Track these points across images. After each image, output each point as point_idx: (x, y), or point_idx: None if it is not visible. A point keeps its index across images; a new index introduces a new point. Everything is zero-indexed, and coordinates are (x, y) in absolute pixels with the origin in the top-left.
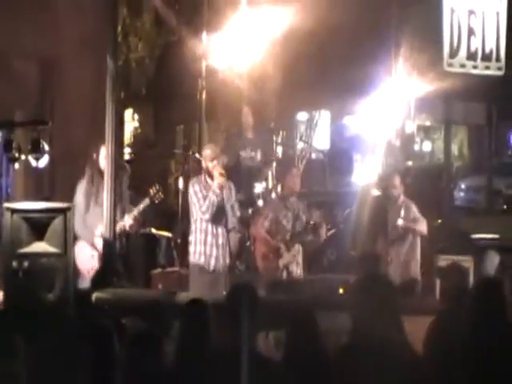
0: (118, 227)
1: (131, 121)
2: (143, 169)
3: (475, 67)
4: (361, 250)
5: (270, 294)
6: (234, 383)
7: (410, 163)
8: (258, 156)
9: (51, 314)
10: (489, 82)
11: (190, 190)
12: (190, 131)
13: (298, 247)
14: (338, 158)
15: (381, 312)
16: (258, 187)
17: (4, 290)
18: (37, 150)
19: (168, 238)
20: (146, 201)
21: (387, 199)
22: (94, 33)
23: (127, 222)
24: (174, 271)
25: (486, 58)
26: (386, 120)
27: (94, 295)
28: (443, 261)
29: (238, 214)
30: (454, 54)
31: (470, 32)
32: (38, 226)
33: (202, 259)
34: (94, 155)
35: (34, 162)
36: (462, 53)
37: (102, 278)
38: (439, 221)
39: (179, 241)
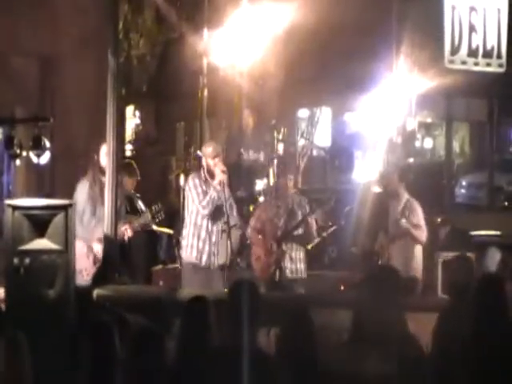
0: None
1: (132, 118)
2: (144, 166)
3: (476, 64)
4: (361, 247)
5: (270, 291)
6: (234, 379)
7: (411, 160)
8: (259, 153)
9: (52, 311)
10: (490, 78)
11: (190, 184)
12: (191, 128)
13: (291, 243)
14: (339, 155)
15: (389, 306)
16: (260, 184)
17: (5, 286)
18: (38, 147)
19: (169, 234)
20: (148, 217)
21: (388, 196)
22: (95, 30)
23: (128, 232)
24: (175, 268)
25: (487, 54)
26: (387, 117)
27: (95, 292)
28: (444, 258)
29: (235, 214)
30: (455, 50)
31: (471, 29)
32: (39, 223)
33: (194, 253)
34: (95, 155)
35: (35, 159)
36: (463, 50)
37: (103, 274)
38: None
39: (180, 238)
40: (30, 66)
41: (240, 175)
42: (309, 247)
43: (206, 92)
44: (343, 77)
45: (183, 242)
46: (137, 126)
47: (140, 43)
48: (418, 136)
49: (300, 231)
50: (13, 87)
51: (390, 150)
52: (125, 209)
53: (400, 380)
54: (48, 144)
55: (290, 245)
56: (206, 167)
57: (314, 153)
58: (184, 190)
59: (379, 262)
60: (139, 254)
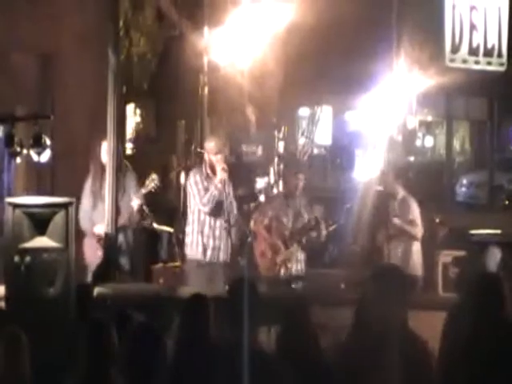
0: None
1: (133, 116)
2: (145, 164)
3: (477, 63)
4: (362, 245)
5: (270, 290)
6: (233, 377)
7: (411, 159)
8: (260, 151)
9: (53, 309)
10: (491, 77)
11: (191, 180)
12: (192, 126)
13: (296, 244)
14: (340, 154)
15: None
16: (260, 182)
17: (5, 284)
18: (38, 145)
19: (169, 232)
20: (141, 191)
21: (388, 195)
22: (96, 27)
23: (135, 203)
24: (176, 266)
25: (488, 53)
26: (387, 115)
27: (96, 290)
28: (445, 256)
29: (235, 211)
30: (455, 49)
31: (472, 27)
32: (39, 221)
33: (200, 249)
34: (97, 150)
35: (35, 157)
36: (464, 48)
37: (103, 272)
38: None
39: (180, 236)
40: (31, 63)
41: (240, 173)
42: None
43: (206, 90)
44: (344, 75)
45: (187, 240)
46: (137, 124)
47: (140, 41)
48: (419, 135)
49: (310, 234)
50: (13, 85)
51: (391, 149)
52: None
53: (405, 378)
54: (48, 142)
55: (295, 245)
56: (208, 163)
57: (315, 151)
58: (185, 186)
59: (380, 260)
60: (139, 252)
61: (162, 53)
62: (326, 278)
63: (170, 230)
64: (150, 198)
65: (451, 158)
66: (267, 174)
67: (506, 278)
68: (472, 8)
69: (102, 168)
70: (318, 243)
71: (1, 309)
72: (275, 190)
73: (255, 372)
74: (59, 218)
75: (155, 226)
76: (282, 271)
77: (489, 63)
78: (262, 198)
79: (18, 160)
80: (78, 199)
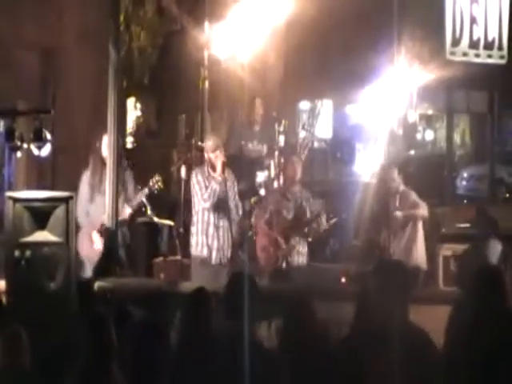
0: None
1: (133, 110)
2: (145, 158)
3: (477, 56)
4: (363, 239)
5: (271, 284)
6: (234, 371)
7: (412, 152)
8: (261, 145)
9: (53, 303)
10: (491, 70)
11: (193, 180)
12: (192, 120)
13: (298, 237)
14: (341, 147)
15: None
16: (261, 176)
17: (6, 279)
18: (39, 139)
19: (170, 226)
20: (145, 191)
21: (389, 188)
22: (97, 22)
23: (126, 211)
24: (176, 260)
25: (489, 46)
26: (388, 109)
27: (96, 284)
28: (445, 250)
29: (241, 212)
30: (456, 42)
31: (473, 20)
32: (40, 215)
33: (205, 251)
34: (97, 144)
35: (36, 151)
36: (465, 41)
37: (104, 266)
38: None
39: (181, 230)
40: (32, 58)
41: (241, 167)
42: (309, 239)
43: (207, 84)
44: (344, 69)
45: (192, 240)
46: (138, 118)
47: (141, 35)
48: (419, 128)
49: (312, 226)
50: (14, 79)
51: (391, 142)
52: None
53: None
54: (49, 136)
55: (297, 239)
56: (208, 162)
57: (315, 145)
58: (185, 181)
59: (381, 255)
60: (140, 247)
61: (163, 47)
62: (328, 272)
63: (171, 223)
64: (150, 193)
65: (452, 151)
66: (268, 167)
67: (507, 270)
68: (472, 1)
69: (102, 162)
70: (317, 234)
71: (1, 304)
72: (276, 184)
73: (255, 366)
74: (60, 212)
75: (155, 219)
76: (283, 265)
77: (489, 56)
78: (262, 192)
79: (19, 154)
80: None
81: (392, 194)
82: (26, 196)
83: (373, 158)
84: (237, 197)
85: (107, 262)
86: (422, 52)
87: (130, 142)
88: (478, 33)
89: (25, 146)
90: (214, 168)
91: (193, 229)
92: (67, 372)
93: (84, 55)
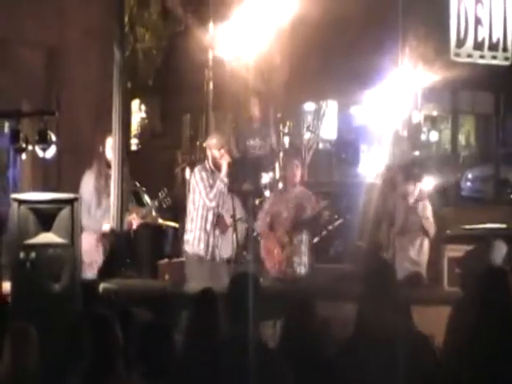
0: (125, 223)
1: (138, 111)
2: (150, 159)
3: (482, 57)
4: (368, 240)
5: (275, 285)
6: (237, 371)
7: (417, 153)
8: (265, 146)
9: (58, 305)
10: (496, 71)
11: (197, 177)
12: (197, 122)
13: (300, 236)
14: (345, 148)
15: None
16: (265, 177)
17: (11, 280)
18: (44, 141)
19: (175, 228)
20: (155, 204)
21: (393, 190)
22: (101, 23)
23: (135, 220)
24: (181, 261)
25: (493, 47)
26: (392, 110)
27: (101, 286)
28: (451, 251)
29: (241, 205)
30: (460, 43)
31: (477, 22)
32: (45, 217)
33: (202, 246)
34: (100, 147)
35: (41, 153)
36: (469, 42)
37: (109, 268)
38: None
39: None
40: (36, 59)
41: (246, 168)
42: (314, 240)
43: (211, 85)
44: (349, 70)
45: (189, 236)
46: (142, 119)
47: (146, 37)
48: (424, 129)
49: (315, 222)
50: (19, 80)
51: (396, 144)
52: (130, 201)
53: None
54: (54, 138)
55: (300, 237)
56: (211, 159)
57: (320, 146)
58: (190, 183)
59: (384, 256)
60: (145, 248)
61: (167, 48)
62: (331, 273)
63: (176, 225)
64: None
65: (456, 152)
66: (273, 168)
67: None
68: (477, 2)
69: (107, 164)
70: (323, 230)
71: (8, 304)
72: (281, 185)
73: (258, 367)
74: (65, 213)
75: (160, 221)
76: (288, 266)
77: (494, 57)
78: (267, 193)
79: (24, 156)
80: None
81: (397, 195)
82: (31, 198)
83: (377, 159)
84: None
85: (112, 264)
86: (426, 53)
87: (134, 143)
88: (483, 34)
89: (30, 147)
90: (217, 166)
91: (190, 225)
92: (72, 373)
93: (89, 57)
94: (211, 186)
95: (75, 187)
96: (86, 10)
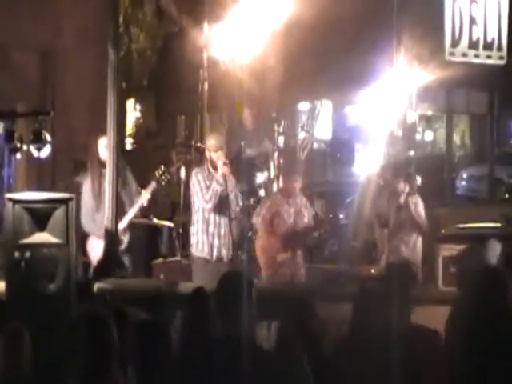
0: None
1: (133, 111)
2: (144, 159)
3: (477, 56)
4: (362, 240)
5: (270, 285)
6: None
7: (411, 153)
8: (260, 146)
9: (53, 305)
10: (491, 71)
11: (194, 180)
12: (192, 122)
13: (297, 239)
14: (340, 148)
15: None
16: (260, 177)
17: (6, 280)
18: (38, 141)
19: (169, 227)
20: (153, 184)
21: (388, 190)
22: (96, 24)
23: (144, 199)
24: (176, 261)
25: (488, 46)
26: (387, 110)
27: (96, 285)
28: (445, 250)
29: (241, 203)
30: (455, 43)
31: (472, 21)
32: (39, 217)
33: (206, 249)
34: (94, 149)
35: (35, 153)
36: (464, 42)
37: (103, 268)
38: None
39: (181, 230)
40: (31, 59)
41: (240, 168)
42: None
43: (206, 85)
44: (344, 70)
45: (193, 239)
46: (137, 119)
47: (140, 37)
48: (419, 129)
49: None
50: (13, 81)
51: (391, 143)
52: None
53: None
54: (48, 138)
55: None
56: (209, 160)
57: (315, 146)
58: (185, 182)
59: (383, 256)
60: (139, 248)
61: (162, 48)
62: (326, 273)
63: (170, 224)
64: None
65: (451, 152)
66: (267, 168)
67: (507, 271)
68: (472, 1)
69: (101, 165)
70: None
71: (2, 304)
72: (275, 185)
73: (252, 366)
74: (59, 213)
75: (155, 220)
76: (282, 267)
77: (488, 57)
78: (261, 192)
79: (18, 156)
80: (78, 194)
81: (391, 194)
82: (26, 197)
83: (372, 158)
84: (238, 194)
85: (107, 264)
86: (421, 52)
87: (129, 143)
88: (478, 33)
89: (24, 147)
90: (214, 167)
91: (193, 228)
92: (67, 373)
93: (83, 57)
94: (207, 188)
95: (70, 187)
96: (80, 11)
